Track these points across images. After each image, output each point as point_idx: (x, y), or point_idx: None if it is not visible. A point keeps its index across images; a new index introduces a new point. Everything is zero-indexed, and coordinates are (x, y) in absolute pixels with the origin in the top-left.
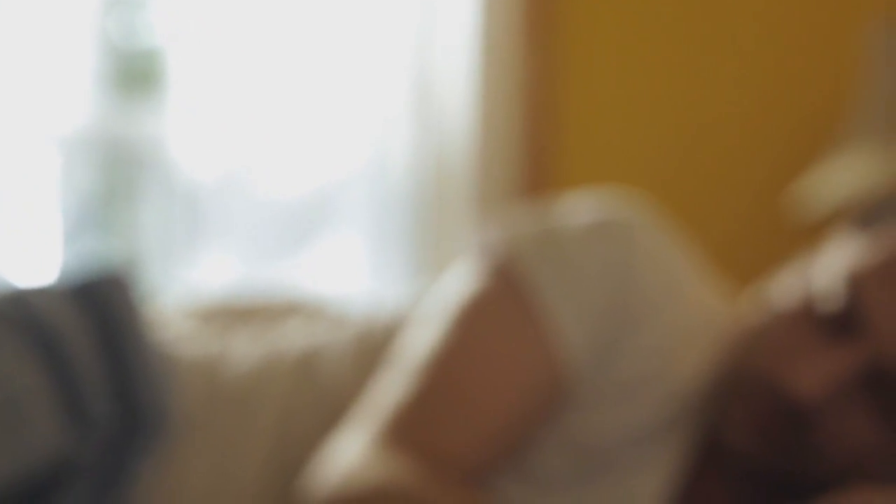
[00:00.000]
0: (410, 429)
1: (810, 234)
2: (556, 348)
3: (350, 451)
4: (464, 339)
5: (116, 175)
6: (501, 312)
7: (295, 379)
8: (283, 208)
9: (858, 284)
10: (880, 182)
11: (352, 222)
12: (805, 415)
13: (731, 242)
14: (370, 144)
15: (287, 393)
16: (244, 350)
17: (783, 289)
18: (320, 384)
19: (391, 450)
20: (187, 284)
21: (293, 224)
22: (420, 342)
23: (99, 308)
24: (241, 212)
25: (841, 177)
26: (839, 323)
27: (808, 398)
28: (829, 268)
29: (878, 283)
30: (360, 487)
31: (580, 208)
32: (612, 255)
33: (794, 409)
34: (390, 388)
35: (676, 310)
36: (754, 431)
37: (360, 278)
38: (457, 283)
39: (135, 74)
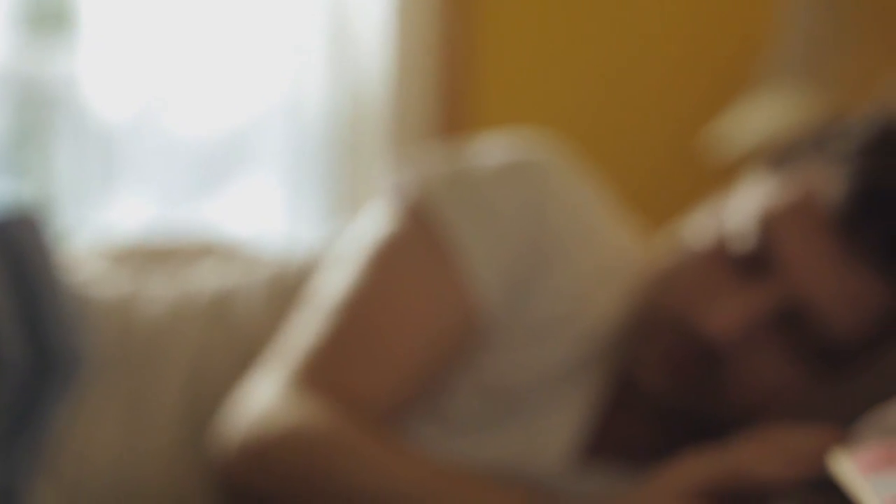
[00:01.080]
0: (324, 371)
1: (724, 175)
2: (469, 289)
3: (264, 393)
4: (377, 280)
5: (28, 115)
6: (414, 253)
7: (208, 320)
8: (197, 148)
9: (771, 224)
10: (794, 124)
11: (266, 163)
12: (717, 354)
13: (645, 184)
14: (285, 84)
15: (200, 333)
16: (157, 291)
17: (697, 229)
18: (233, 325)
19: (305, 392)
20: (101, 226)
21: (207, 164)
22: (333, 284)
23: (10, 249)
24: (155, 152)
25: (755, 119)
26: (752, 263)
27: (720, 337)
28: (741, 208)
29: (790, 224)
30: (274, 430)
31: (494, 149)
32: (525, 196)
33: (707, 349)
34: (304, 329)
35: (589, 251)
36: (667, 371)
37: (275, 219)
38: (370, 225)
39: (46, 13)
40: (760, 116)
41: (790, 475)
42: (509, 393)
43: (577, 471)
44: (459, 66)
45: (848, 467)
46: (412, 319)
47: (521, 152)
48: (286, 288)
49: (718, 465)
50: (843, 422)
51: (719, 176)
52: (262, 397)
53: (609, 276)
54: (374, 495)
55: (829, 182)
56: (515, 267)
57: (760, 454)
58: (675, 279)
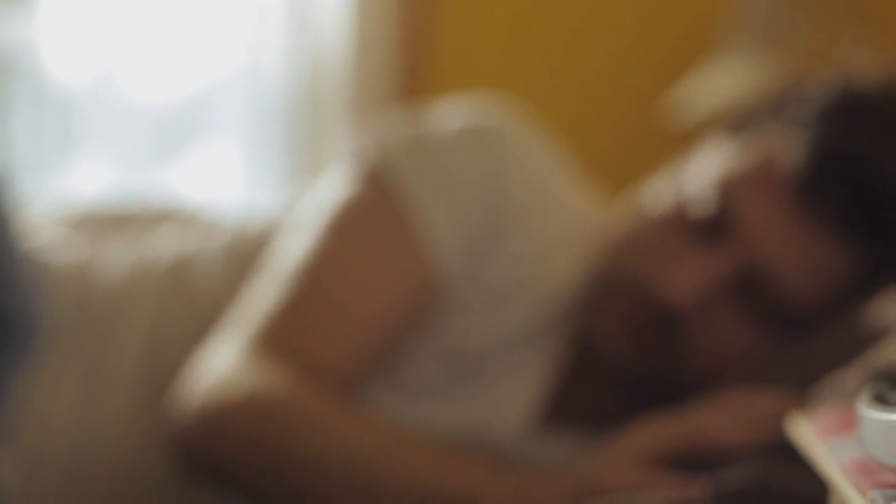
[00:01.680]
0: (283, 336)
1: (684, 141)
2: (428, 253)
3: (222, 359)
4: (335, 245)
5: None
6: (372, 218)
7: (166, 285)
8: (155, 114)
9: (729, 189)
10: (753, 89)
11: (225, 129)
12: (676, 319)
13: (605, 149)
14: (244, 49)
15: (158, 299)
16: (116, 257)
17: (655, 195)
18: (192, 290)
19: (264, 357)
20: (59, 192)
21: (166, 131)
22: (292, 249)
23: None
24: (113, 118)
25: (715, 84)
26: (710, 228)
27: (679, 302)
28: (700, 173)
29: (749, 188)
30: (233, 396)
31: (453, 115)
32: (483, 161)
33: (666, 314)
34: (262, 294)
35: (548, 216)
36: (626, 336)
37: (234, 185)
38: (329, 190)
39: None
40: (720, 82)
41: (749, 440)
42: (469, 358)
43: (537, 436)
44: (418, 32)
45: (806, 432)
46: (371, 284)
47: (479, 118)
48: (244, 253)
49: (676, 430)
50: (802, 386)
51: (679, 141)
52: (221, 363)
53: (568, 241)
54: (333, 461)
55: (788, 147)
56: (473, 231)
57: (719, 419)
58: (634, 244)
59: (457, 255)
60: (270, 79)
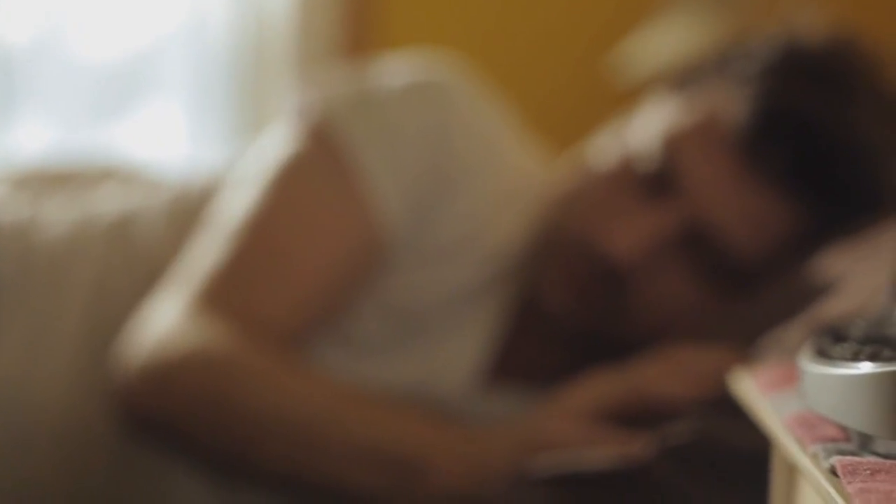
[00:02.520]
0: (226, 292)
1: (629, 97)
2: (372, 207)
3: (166, 316)
4: (279, 199)
5: None
6: (317, 173)
7: (109, 242)
8: (98, 72)
9: (674, 144)
10: (698, 46)
11: (169, 85)
12: (621, 275)
13: (550, 105)
14: (187, 5)
15: (101, 256)
16: (58, 215)
17: (600, 151)
18: (134, 247)
19: (207, 314)
20: (1, 150)
21: (109, 88)
22: (235, 205)
23: None
24: (56, 76)
25: (660, 41)
26: (655, 183)
27: (623, 259)
28: (645, 129)
29: (694, 144)
30: (176, 352)
31: (399, 71)
32: (429, 117)
33: (610, 270)
34: (205, 251)
35: (494, 172)
36: (571, 292)
37: (178, 142)
38: (272, 145)
39: None
40: (665, 39)
41: (692, 395)
42: (414, 314)
43: (482, 392)
44: None
45: (748, 387)
46: (315, 239)
47: (425, 74)
48: (187, 210)
49: (620, 385)
50: (745, 341)
51: (624, 98)
52: (164, 320)
53: (513, 198)
54: (277, 417)
55: (732, 103)
56: (418, 187)
57: (663, 374)
58: (579, 201)
59: (401, 209)
60: (214, 35)
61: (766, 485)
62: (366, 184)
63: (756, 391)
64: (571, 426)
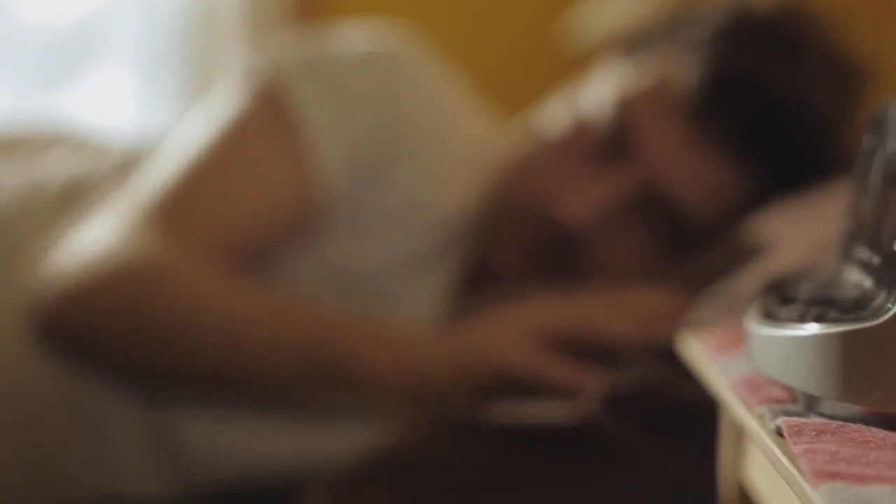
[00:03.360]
0: (160, 212)
1: (580, 63)
2: (314, 168)
3: (94, 236)
4: (221, 147)
5: None
6: (261, 129)
7: (58, 206)
8: (46, 37)
9: (626, 109)
10: (649, 11)
11: (118, 50)
12: (573, 240)
13: (502, 73)
14: None
15: (49, 220)
16: (6, 180)
17: (552, 117)
18: (84, 211)
19: (138, 230)
20: None
21: (58, 53)
22: (175, 148)
23: None
24: (3, 41)
25: (610, 6)
26: (608, 148)
27: (576, 224)
28: (597, 94)
29: (646, 108)
30: (103, 266)
31: (351, 39)
32: (380, 84)
33: (563, 235)
34: (140, 184)
35: (444, 140)
36: (522, 256)
37: (127, 108)
38: (219, 102)
39: None
40: (616, 4)
41: (636, 336)
42: (363, 279)
43: None
44: None
45: (696, 349)
46: (251, 185)
47: (377, 42)
48: (136, 174)
49: (567, 314)
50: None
51: (574, 64)
52: (92, 239)
53: (465, 164)
54: (200, 321)
55: (683, 69)
56: (364, 151)
57: (608, 311)
58: (531, 166)
59: (344, 171)
60: None
61: (713, 436)
62: (309, 144)
63: (704, 354)
64: (517, 349)
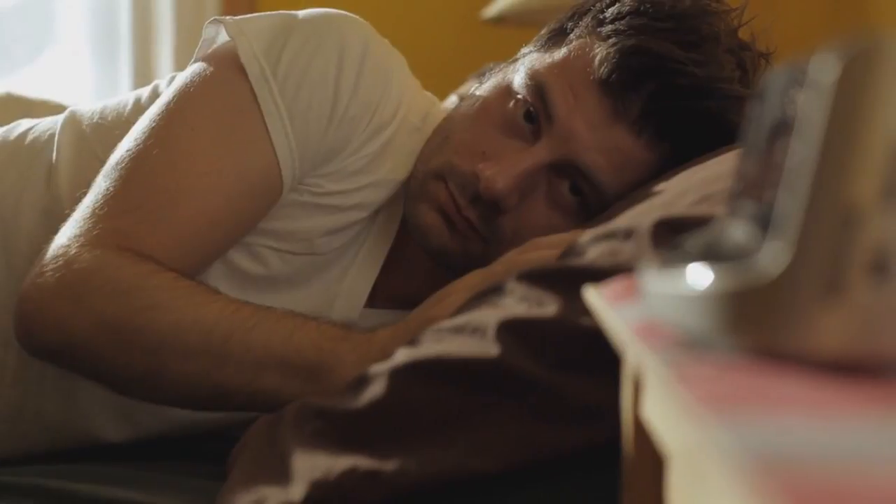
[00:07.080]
0: (124, 221)
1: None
2: (274, 150)
3: (67, 248)
4: (183, 137)
5: None
6: (223, 111)
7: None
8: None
9: (542, 87)
10: None
11: (73, 28)
12: (492, 208)
13: (428, 48)
14: None
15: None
16: None
17: (474, 92)
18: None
19: (109, 242)
20: None
21: (11, 35)
22: (138, 135)
23: None
24: None
25: None
26: (525, 123)
27: (496, 194)
28: (519, 68)
29: (561, 86)
30: (76, 281)
31: (304, 17)
32: (337, 58)
33: (483, 204)
34: (106, 184)
35: (388, 112)
36: (442, 224)
37: (83, 88)
38: (183, 80)
39: None
40: None
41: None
42: (314, 254)
43: (363, 317)
44: None
45: (597, 300)
46: (215, 172)
47: (329, 19)
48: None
49: (492, 271)
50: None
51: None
52: (65, 252)
53: (403, 137)
54: (176, 336)
55: (592, 48)
56: (320, 135)
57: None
58: (453, 139)
59: (302, 155)
60: None
61: (615, 369)
62: (269, 126)
63: (604, 303)
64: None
